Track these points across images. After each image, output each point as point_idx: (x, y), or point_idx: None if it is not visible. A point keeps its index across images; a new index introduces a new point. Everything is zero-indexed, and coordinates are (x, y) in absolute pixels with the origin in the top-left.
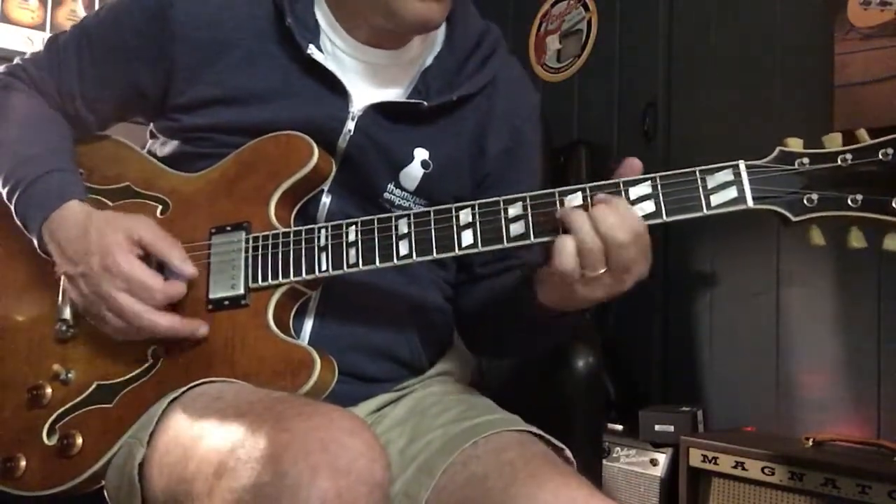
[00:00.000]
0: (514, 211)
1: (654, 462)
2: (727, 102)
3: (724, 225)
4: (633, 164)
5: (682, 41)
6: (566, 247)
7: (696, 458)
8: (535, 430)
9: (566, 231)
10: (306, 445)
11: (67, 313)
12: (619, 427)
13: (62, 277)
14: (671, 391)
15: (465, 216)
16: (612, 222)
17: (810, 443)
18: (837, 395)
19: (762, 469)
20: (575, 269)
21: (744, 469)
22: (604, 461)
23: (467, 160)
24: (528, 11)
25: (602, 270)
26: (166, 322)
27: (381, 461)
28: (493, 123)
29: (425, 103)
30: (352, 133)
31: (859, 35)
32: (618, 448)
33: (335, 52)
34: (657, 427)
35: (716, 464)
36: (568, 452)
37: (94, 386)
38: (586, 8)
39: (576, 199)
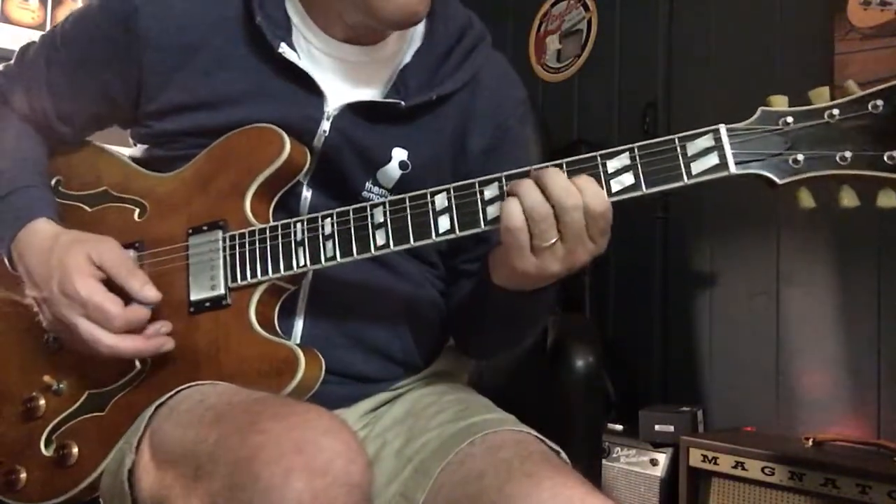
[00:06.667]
0: (489, 193)
1: (654, 462)
2: (727, 102)
3: (724, 224)
4: None
5: (682, 41)
6: (513, 207)
7: (696, 458)
8: (531, 431)
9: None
10: (280, 447)
11: None
12: (619, 427)
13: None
14: (671, 391)
15: (441, 201)
16: (562, 185)
17: (810, 443)
18: (837, 395)
19: (762, 469)
20: (522, 227)
21: (744, 469)
22: (604, 461)
23: (448, 159)
24: (528, 11)
25: (554, 239)
26: (128, 346)
27: (359, 461)
28: (476, 121)
29: (403, 103)
30: (327, 133)
31: (859, 35)
32: (618, 448)
33: (309, 49)
34: (657, 427)
35: (716, 464)
36: (564, 455)
37: (85, 395)
38: (586, 8)
39: None
